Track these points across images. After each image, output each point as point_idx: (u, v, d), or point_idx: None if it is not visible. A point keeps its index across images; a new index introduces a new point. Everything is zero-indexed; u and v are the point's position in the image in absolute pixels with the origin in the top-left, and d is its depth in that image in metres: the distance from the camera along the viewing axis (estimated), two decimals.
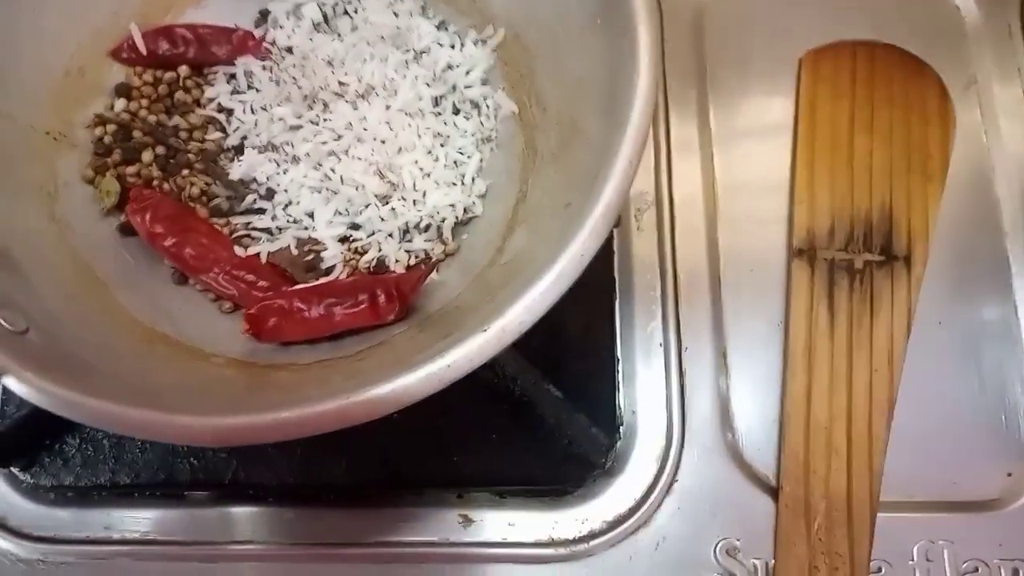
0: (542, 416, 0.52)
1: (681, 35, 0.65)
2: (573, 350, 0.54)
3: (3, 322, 0.41)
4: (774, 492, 0.53)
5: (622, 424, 0.54)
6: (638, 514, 0.53)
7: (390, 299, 0.50)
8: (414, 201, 0.53)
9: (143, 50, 0.55)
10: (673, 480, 0.53)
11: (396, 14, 0.56)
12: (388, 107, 0.53)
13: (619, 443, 0.54)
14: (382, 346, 0.49)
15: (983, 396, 0.56)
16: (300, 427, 0.36)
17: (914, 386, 0.55)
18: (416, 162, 0.53)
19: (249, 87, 0.56)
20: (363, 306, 0.49)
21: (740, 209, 0.60)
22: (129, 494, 0.54)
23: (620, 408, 0.54)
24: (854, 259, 0.58)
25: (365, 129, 0.54)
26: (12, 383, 0.37)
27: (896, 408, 0.55)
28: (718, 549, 0.52)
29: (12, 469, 0.54)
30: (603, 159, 0.42)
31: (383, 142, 0.53)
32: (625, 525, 0.52)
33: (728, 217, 0.59)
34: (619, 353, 0.55)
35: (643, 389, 0.55)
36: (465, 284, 0.51)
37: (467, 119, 0.55)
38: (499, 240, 0.52)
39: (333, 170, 0.53)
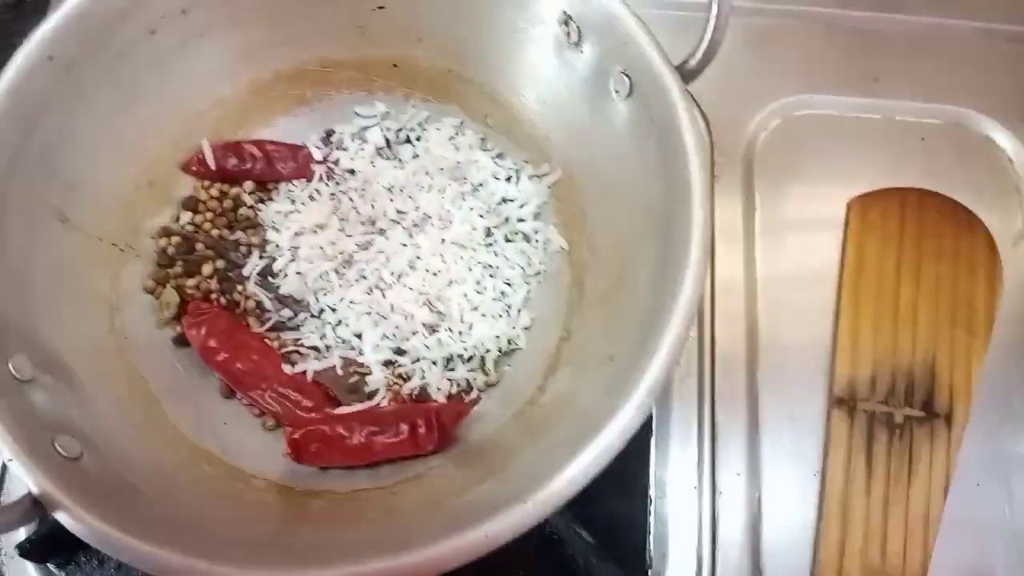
0: (572, 556, 0.52)
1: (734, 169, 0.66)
2: (606, 489, 0.54)
3: (60, 449, 0.42)
4: None
5: (651, 567, 0.54)
6: None
7: (430, 430, 0.50)
8: (460, 332, 0.54)
9: (212, 164, 0.58)
10: None
11: (457, 148, 0.58)
12: (443, 240, 0.55)
13: None
14: (418, 480, 0.50)
15: (1020, 565, 0.55)
16: None
17: (949, 550, 0.54)
18: (465, 295, 0.54)
19: (310, 203, 0.58)
20: (403, 436, 0.50)
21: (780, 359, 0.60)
22: None
23: (650, 553, 0.54)
24: (894, 413, 0.58)
25: (418, 258, 0.55)
26: (64, 519, 0.38)
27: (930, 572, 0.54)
28: None
29: (49, 565, 0.55)
30: (651, 327, 0.42)
31: (435, 274, 0.54)
32: None
33: (769, 366, 0.59)
34: (652, 493, 0.55)
35: (675, 533, 0.55)
36: (505, 418, 0.52)
37: (517, 251, 0.56)
38: (541, 377, 0.53)
39: (384, 295, 0.55)
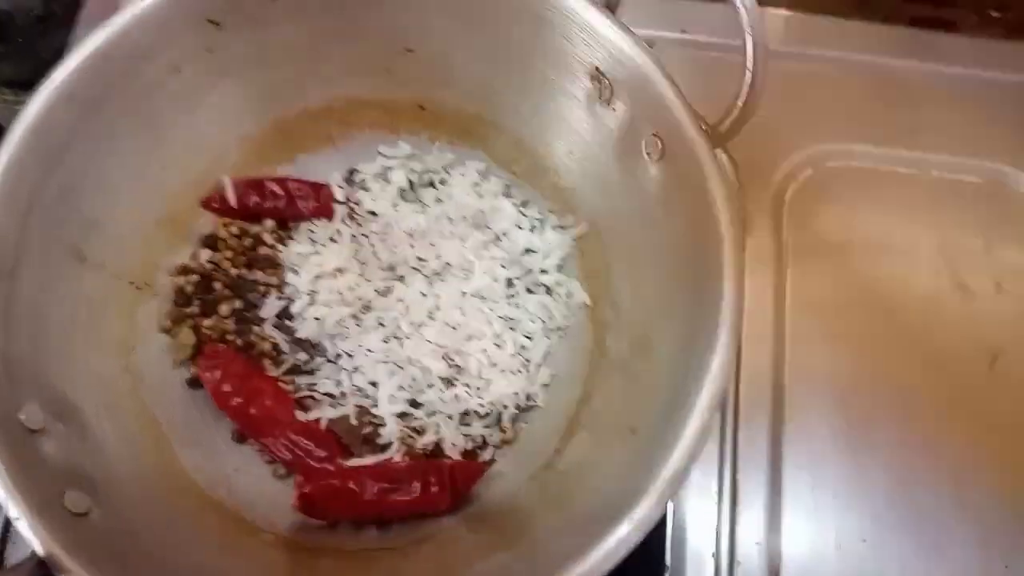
0: None
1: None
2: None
3: (68, 505, 0.42)
4: None
5: None
6: None
7: (442, 489, 0.49)
8: (477, 388, 0.53)
9: (233, 202, 0.57)
10: None
11: (480, 195, 0.57)
12: (463, 292, 0.54)
13: None
14: (429, 542, 0.49)
15: None
16: None
17: None
18: (484, 350, 0.53)
19: (331, 244, 0.57)
20: (415, 494, 0.49)
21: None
22: None
23: None
24: None
25: (438, 308, 0.54)
26: None
27: None
28: None
29: None
30: (675, 407, 0.41)
31: (454, 327, 0.53)
32: None
33: (793, 430, 0.58)
34: (668, 560, 0.54)
35: None
36: (521, 480, 0.51)
37: (539, 304, 0.55)
38: (558, 439, 0.52)
39: (401, 345, 0.54)
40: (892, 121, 0.68)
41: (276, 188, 0.58)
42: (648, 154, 0.48)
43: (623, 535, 0.37)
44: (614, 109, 0.50)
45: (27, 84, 0.48)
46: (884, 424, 0.58)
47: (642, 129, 0.48)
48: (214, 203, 0.58)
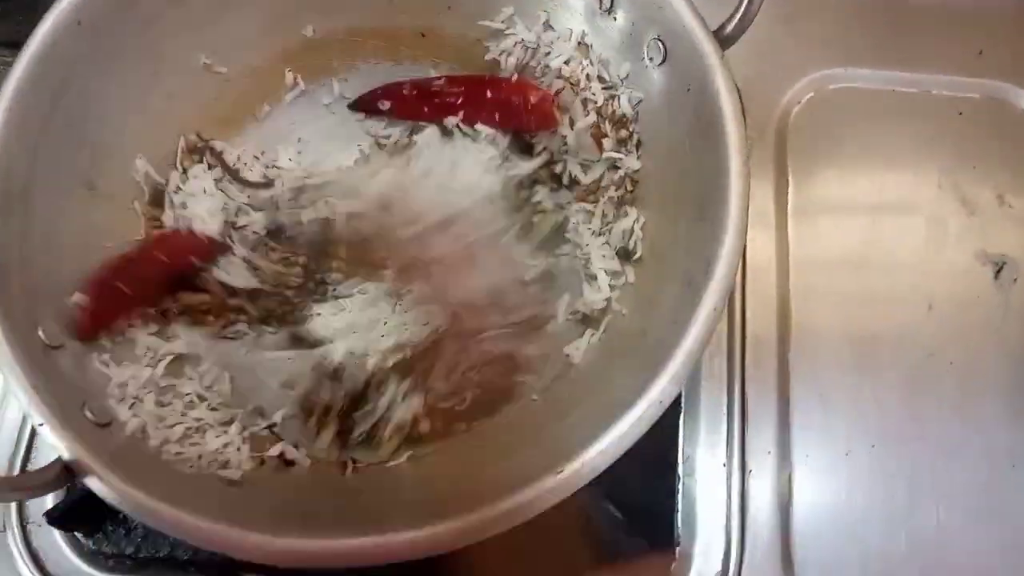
0: (601, 532, 0.51)
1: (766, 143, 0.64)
2: (635, 466, 0.53)
3: (89, 414, 0.42)
4: None
5: (679, 545, 0.53)
6: None
7: None
8: None
9: None
10: None
11: None
12: None
13: (674, 565, 0.53)
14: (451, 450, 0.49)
15: None
16: (372, 556, 0.36)
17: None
18: None
19: None
20: None
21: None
22: (186, 569, 0.55)
23: (679, 531, 0.53)
24: None
25: None
26: (95, 485, 0.38)
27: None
28: None
29: (76, 534, 0.55)
30: (685, 301, 0.42)
31: None
32: None
33: (800, 346, 0.58)
34: (680, 470, 0.55)
35: (703, 511, 0.54)
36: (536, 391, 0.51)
37: None
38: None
39: None
40: (892, 43, 0.68)
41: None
42: (650, 59, 0.48)
43: (640, 413, 0.38)
44: (615, 18, 0.50)
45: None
46: (890, 334, 0.59)
47: (644, 35, 0.48)
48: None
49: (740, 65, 0.62)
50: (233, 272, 0.52)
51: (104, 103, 0.51)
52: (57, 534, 0.55)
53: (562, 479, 0.37)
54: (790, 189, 0.63)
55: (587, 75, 0.53)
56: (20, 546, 0.54)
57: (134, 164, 0.54)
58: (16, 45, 0.48)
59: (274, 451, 0.48)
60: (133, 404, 0.46)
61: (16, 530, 0.54)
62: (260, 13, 0.56)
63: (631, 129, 0.51)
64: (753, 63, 0.65)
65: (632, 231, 0.50)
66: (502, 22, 0.56)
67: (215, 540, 0.37)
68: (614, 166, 0.52)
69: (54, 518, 0.52)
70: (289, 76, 0.59)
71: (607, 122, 0.52)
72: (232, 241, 0.53)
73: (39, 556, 0.54)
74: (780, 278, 0.59)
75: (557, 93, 0.53)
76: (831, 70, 0.67)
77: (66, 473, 0.39)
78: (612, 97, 0.52)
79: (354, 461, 0.49)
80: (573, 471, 0.37)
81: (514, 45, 0.56)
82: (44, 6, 0.48)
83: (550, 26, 0.54)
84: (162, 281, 0.51)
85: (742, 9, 0.44)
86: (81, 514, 0.54)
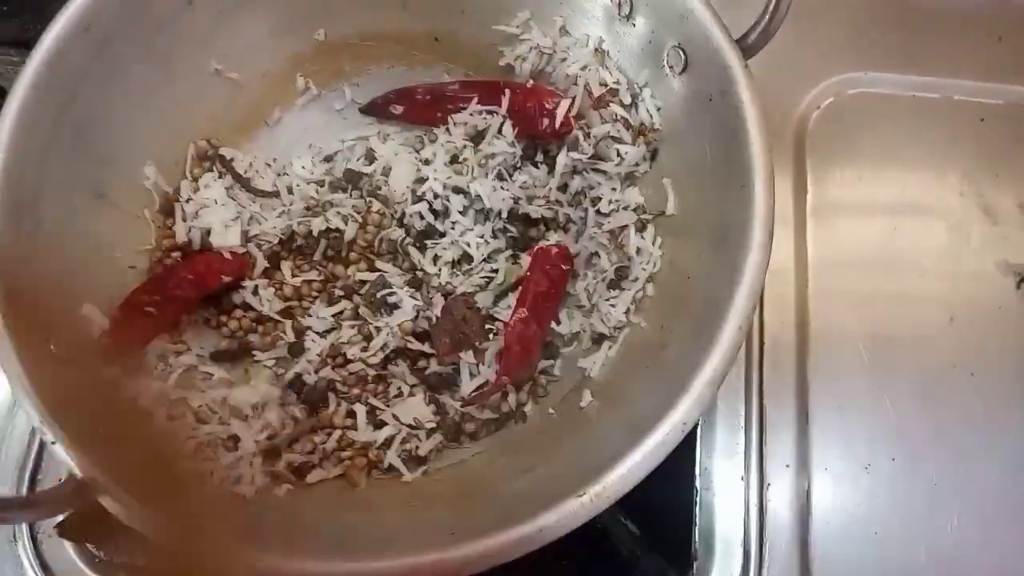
0: (617, 547, 0.51)
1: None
2: (653, 480, 0.52)
3: (101, 428, 0.41)
4: None
5: (696, 560, 0.53)
6: None
7: None
8: None
9: None
10: None
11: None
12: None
13: None
14: (461, 466, 0.49)
15: None
16: None
17: None
18: None
19: None
20: None
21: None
22: None
23: (696, 546, 0.52)
24: None
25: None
26: (109, 503, 0.38)
27: None
28: None
29: (88, 545, 0.54)
30: (708, 318, 0.41)
31: None
32: None
33: (819, 354, 0.57)
34: (698, 484, 0.54)
35: (721, 525, 0.53)
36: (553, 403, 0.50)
37: None
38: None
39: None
40: (913, 48, 0.67)
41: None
42: (671, 67, 0.47)
43: (663, 435, 0.37)
44: (634, 25, 0.49)
45: (32, 45, 0.47)
46: (909, 346, 0.58)
47: (664, 43, 0.47)
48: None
49: (759, 69, 0.61)
50: (261, 294, 0.51)
51: (113, 110, 0.50)
52: (68, 545, 0.54)
53: (585, 502, 0.36)
54: (808, 195, 0.62)
55: (604, 82, 0.52)
56: (31, 557, 0.54)
57: (143, 171, 0.53)
58: (24, 44, 0.47)
59: (285, 464, 0.47)
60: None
61: (27, 540, 0.54)
62: (270, 17, 0.55)
63: (649, 138, 0.50)
64: (772, 68, 0.63)
65: (651, 248, 0.49)
66: (517, 27, 0.55)
67: (229, 561, 0.36)
68: (631, 174, 0.51)
69: (64, 531, 0.52)
70: (301, 81, 0.58)
71: (625, 130, 0.51)
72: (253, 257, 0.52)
73: (50, 567, 0.54)
74: (799, 288, 0.59)
75: (573, 100, 0.52)
76: (851, 74, 0.66)
77: (80, 490, 0.39)
78: (631, 105, 0.51)
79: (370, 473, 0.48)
80: (595, 495, 0.37)
81: (529, 50, 0.55)
82: (52, 5, 0.47)
83: (567, 31, 0.53)
84: (189, 301, 0.51)
85: (767, 18, 0.43)
86: (92, 526, 0.54)
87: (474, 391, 0.49)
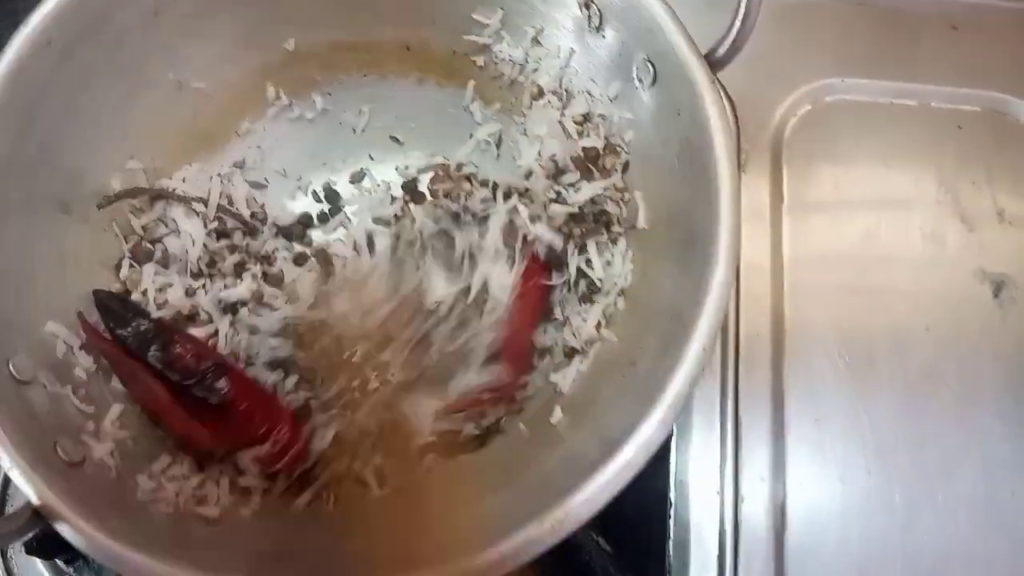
0: (588, 563, 0.50)
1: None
2: (624, 495, 0.52)
3: (61, 454, 0.41)
4: None
5: (670, 574, 0.52)
6: None
7: None
8: None
9: None
10: None
11: None
12: None
13: None
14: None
15: None
16: None
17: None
18: None
19: None
20: None
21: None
22: None
23: (670, 561, 0.52)
24: None
25: None
26: (65, 531, 0.37)
27: None
28: None
29: (57, 561, 0.54)
30: (674, 334, 0.40)
31: None
32: None
33: (795, 363, 0.57)
34: (672, 497, 0.54)
35: (696, 540, 0.53)
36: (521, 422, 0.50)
37: None
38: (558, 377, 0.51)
39: None
40: (890, 53, 0.66)
41: None
42: (640, 80, 0.47)
43: (627, 458, 0.37)
44: (604, 36, 0.48)
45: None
46: (886, 356, 0.57)
47: (634, 55, 0.47)
48: None
49: (735, 77, 0.61)
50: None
51: (77, 124, 0.50)
52: (37, 561, 0.54)
53: (546, 528, 0.36)
54: (784, 204, 0.61)
55: (573, 92, 0.51)
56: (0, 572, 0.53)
57: (111, 184, 0.52)
58: None
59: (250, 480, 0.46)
60: (107, 437, 0.45)
61: None
62: (238, 28, 0.54)
63: (619, 152, 0.50)
64: (748, 75, 0.63)
65: (623, 261, 0.49)
66: (489, 36, 0.54)
67: None
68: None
69: (32, 548, 0.51)
70: (271, 91, 0.57)
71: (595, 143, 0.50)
72: None
73: None
74: (775, 300, 0.58)
75: None
76: (827, 80, 0.65)
77: (36, 518, 0.38)
78: (601, 117, 0.51)
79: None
80: (557, 520, 0.36)
81: (500, 61, 0.54)
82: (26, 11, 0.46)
83: (538, 42, 0.53)
84: None
85: (734, 32, 0.42)
86: (60, 542, 0.53)
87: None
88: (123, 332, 0.47)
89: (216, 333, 0.51)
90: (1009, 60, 0.66)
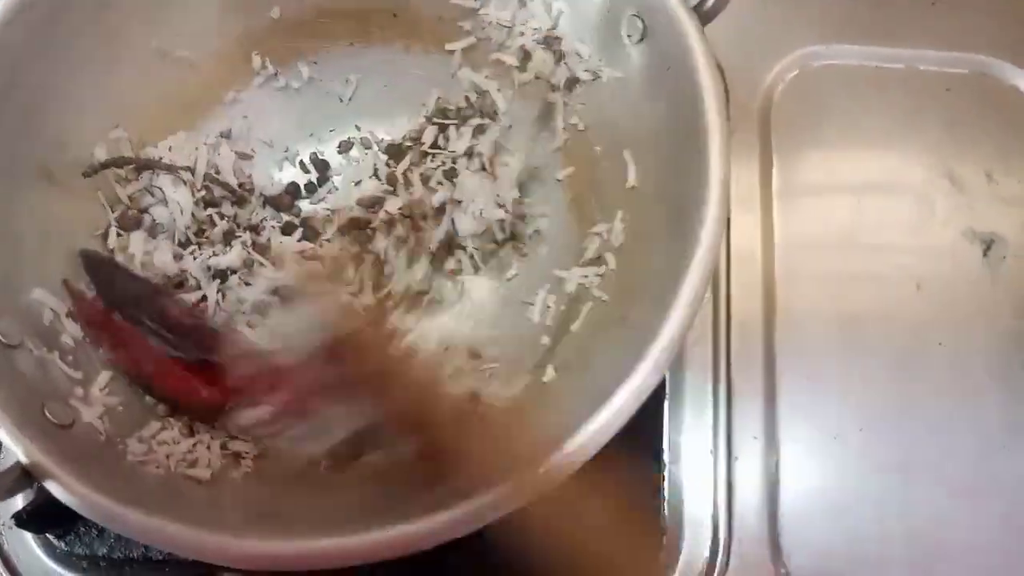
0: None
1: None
2: (619, 455, 0.52)
3: (50, 416, 0.41)
4: None
5: (665, 535, 0.52)
6: None
7: None
8: None
9: None
10: None
11: None
12: None
13: (662, 554, 0.52)
14: None
15: None
16: (331, 559, 0.35)
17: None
18: None
19: None
20: None
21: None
22: (161, 569, 0.53)
23: (664, 520, 0.52)
24: None
25: None
26: (54, 488, 0.37)
27: None
28: None
29: (48, 536, 0.54)
30: (666, 286, 0.40)
31: None
32: None
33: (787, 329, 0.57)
34: (666, 458, 0.54)
35: (689, 500, 0.53)
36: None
37: None
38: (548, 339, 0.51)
39: None
40: (878, 17, 0.66)
41: None
42: (628, 36, 0.47)
43: (619, 404, 0.37)
44: None
45: None
46: (878, 315, 0.57)
47: (622, 11, 0.47)
48: None
49: (722, 44, 0.60)
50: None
51: (60, 91, 0.49)
52: (29, 537, 0.53)
53: (540, 474, 0.36)
54: (775, 170, 0.61)
55: (562, 52, 0.51)
56: None
57: (95, 153, 0.52)
58: None
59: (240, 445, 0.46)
60: (96, 403, 0.44)
61: None
62: None
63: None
64: (735, 41, 0.63)
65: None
66: (476, 1, 0.54)
67: (183, 544, 0.36)
68: None
69: (23, 521, 0.51)
70: (257, 60, 0.57)
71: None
72: None
73: (10, 559, 0.53)
74: (765, 261, 0.58)
75: None
76: (815, 47, 0.65)
77: (25, 477, 0.38)
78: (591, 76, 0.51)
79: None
80: (553, 465, 0.36)
81: (488, 24, 0.54)
82: None
83: (524, 4, 0.53)
84: None
85: None
86: (51, 516, 0.53)
87: None
88: (112, 293, 0.46)
89: (204, 299, 0.51)
90: (995, 23, 0.66)
